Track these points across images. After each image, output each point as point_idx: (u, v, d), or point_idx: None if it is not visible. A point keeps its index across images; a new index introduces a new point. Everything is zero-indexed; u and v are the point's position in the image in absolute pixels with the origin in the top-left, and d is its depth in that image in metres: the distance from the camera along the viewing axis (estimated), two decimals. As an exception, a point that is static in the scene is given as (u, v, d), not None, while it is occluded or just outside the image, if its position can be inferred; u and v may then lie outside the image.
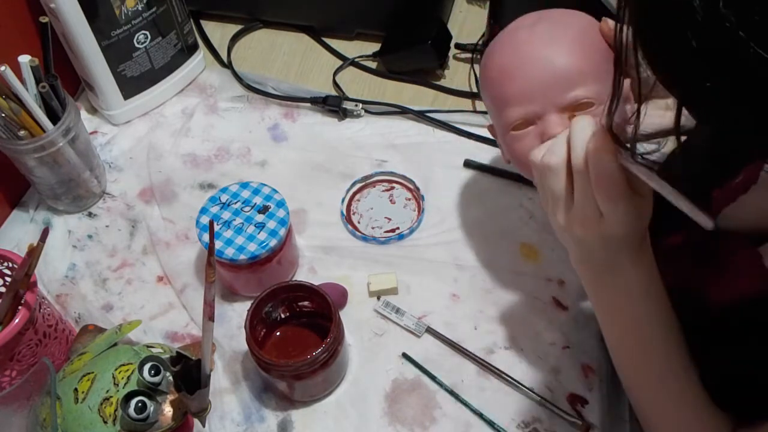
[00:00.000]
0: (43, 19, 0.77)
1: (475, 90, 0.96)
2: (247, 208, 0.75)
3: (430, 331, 0.77)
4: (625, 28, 0.41)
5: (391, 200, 0.88)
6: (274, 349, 0.74)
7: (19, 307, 0.66)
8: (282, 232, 0.74)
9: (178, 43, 0.94)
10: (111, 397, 0.62)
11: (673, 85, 0.39)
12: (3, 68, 0.73)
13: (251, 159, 0.92)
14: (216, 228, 0.74)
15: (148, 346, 0.68)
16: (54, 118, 0.79)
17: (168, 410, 0.63)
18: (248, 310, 0.69)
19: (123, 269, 0.84)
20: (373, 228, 0.85)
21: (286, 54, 1.03)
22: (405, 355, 0.76)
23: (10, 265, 0.70)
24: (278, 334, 0.75)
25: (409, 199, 0.87)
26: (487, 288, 0.80)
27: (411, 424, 0.72)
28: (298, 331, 0.75)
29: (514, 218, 0.84)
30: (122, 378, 0.63)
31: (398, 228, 0.85)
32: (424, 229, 0.85)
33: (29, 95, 0.76)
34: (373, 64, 1.01)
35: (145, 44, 0.90)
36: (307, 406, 0.74)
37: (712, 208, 0.61)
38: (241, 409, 0.73)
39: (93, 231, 0.87)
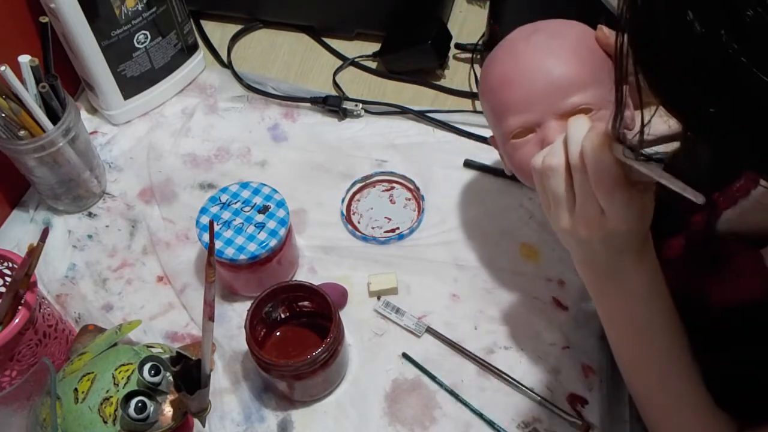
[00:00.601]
0: (43, 19, 0.77)
1: (475, 90, 0.96)
2: (247, 208, 0.75)
3: (430, 331, 0.77)
4: (623, 39, 0.41)
5: (391, 200, 0.88)
6: (274, 349, 0.74)
7: (19, 307, 0.66)
8: (282, 232, 0.74)
9: (178, 43, 0.94)
10: (111, 397, 0.62)
11: (672, 107, 0.39)
12: (3, 68, 0.73)
13: (251, 159, 0.92)
14: (216, 228, 0.74)
15: (148, 346, 0.68)
16: (54, 118, 0.79)
17: (168, 410, 0.63)
18: (248, 310, 0.69)
19: (123, 269, 0.84)
20: (373, 228, 0.85)
21: (286, 54, 1.03)
22: (405, 355, 0.76)
23: (10, 265, 0.70)
24: (278, 334, 0.75)
25: (409, 199, 0.87)
26: (487, 288, 0.80)
27: (411, 424, 0.72)
28: (298, 331, 0.75)
29: (514, 218, 0.84)
30: (122, 378, 0.63)
31: (398, 228, 0.85)
32: (424, 229, 0.85)
33: (29, 95, 0.76)
34: (373, 64, 1.01)
35: (145, 44, 0.90)
36: (307, 406, 0.74)
37: (706, 219, 0.62)
38: (241, 409, 0.73)
39: (93, 231, 0.87)
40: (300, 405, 0.74)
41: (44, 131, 0.78)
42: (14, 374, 0.69)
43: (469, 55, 0.99)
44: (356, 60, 1.01)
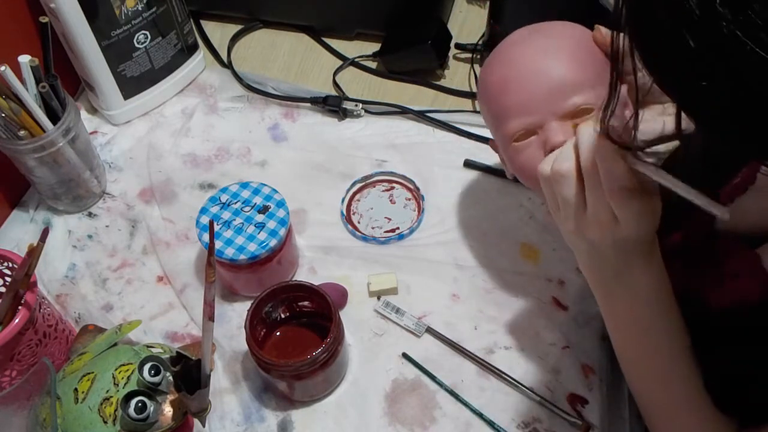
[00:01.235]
0: (43, 19, 0.77)
1: (475, 90, 0.96)
2: (247, 208, 0.75)
3: (430, 331, 0.77)
4: (621, 31, 0.41)
5: (391, 200, 0.88)
6: (274, 349, 0.74)
7: (19, 307, 0.66)
8: (282, 232, 0.74)
9: (178, 43, 0.94)
10: (111, 397, 0.62)
11: (669, 86, 0.39)
12: (3, 68, 0.73)
13: (251, 159, 0.92)
14: (216, 228, 0.74)
15: (148, 346, 0.68)
16: (54, 118, 0.79)
17: (168, 410, 0.63)
18: (248, 310, 0.69)
19: (123, 269, 0.84)
20: (373, 228, 0.85)
21: (286, 54, 1.03)
22: (405, 355, 0.76)
23: (10, 265, 0.70)
24: (278, 334, 0.75)
25: (409, 199, 0.87)
26: (487, 288, 0.80)
27: (411, 424, 0.72)
28: (298, 331, 0.75)
29: (514, 218, 0.84)
30: (122, 378, 0.63)
31: (398, 228, 0.85)
32: (424, 229, 0.85)
33: (29, 95, 0.76)
34: (373, 64, 1.01)
35: (145, 44, 0.90)
36: (307, 406, 0.74)
37: (703, 218, 0.61)
38: (241, 409, 0.73)
39: (93, 231, 0.87)
40: (300, 405, 0.74)
41: (44, 131, 0.78)
42: (14, 374, 0.69)
43: (469, 55, 1.00)
44: (356, 60, 1.01)
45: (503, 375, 0.74)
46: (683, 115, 0.40)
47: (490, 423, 0.71)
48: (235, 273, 0.76)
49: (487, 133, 0.85)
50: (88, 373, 0.64)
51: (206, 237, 0.72)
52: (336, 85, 0.99)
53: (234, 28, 1.05)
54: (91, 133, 0.94)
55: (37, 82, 0.77)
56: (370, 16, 1.00)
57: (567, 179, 0.54)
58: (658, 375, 0.60)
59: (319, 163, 0.91)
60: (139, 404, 0.61)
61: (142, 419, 0.61)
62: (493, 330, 0.77)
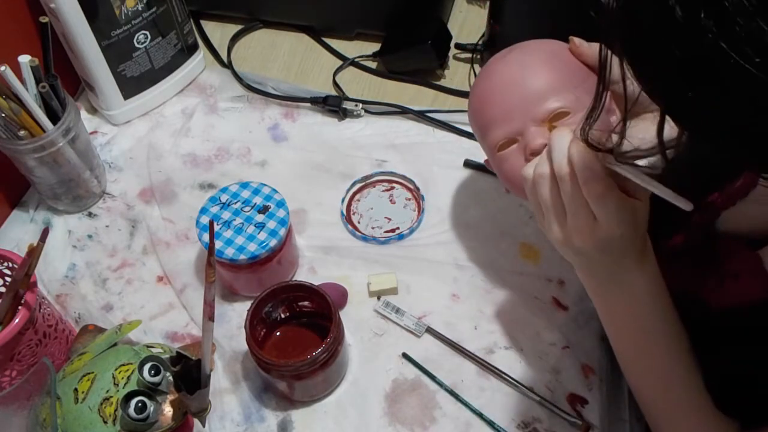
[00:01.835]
0: (43, 19, 0.77)
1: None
2: (247, 208, 0.75)
3: (430, 331, 0.77)
4: (609, 40, 0.41)
5: (391, 200, 0.88)
6: (274, 349, 0.74)
7: (19, 307, 0.66)
8: (282, 232, 0.74)
9: (178, 43, 0.94)
10: (111, 397, 0.62)
11: (656, 95, 0.39)
12: (3, 68, 0.73)
13: (251, 159, 0.92)
14: (216, 228, 0.74)
15: (148, 346, 0.68)
16: (54, 118, 0.79)
17: (168, 410, 0.63)
18: (248, 310, 0.69)
19: (123, 269, 0.84)
20: (373, 228, 0.85)
21: (286, 54, 1.03)
22: (405, 355, 0.76)
23: (10, 265, 0.70)
24: (278, 334, 0.75)
25: (409, 199, 0.87)
26: (487, 288, 0.80)
27: (411, 424, 0.72)
28: (298, 331, 0.75)
29: (513, 218, 0.84)
30: (122, 378, 0.63)
31: (398, 228, 0.85)
32: (424, 229, 0.85)
33: (29, 95, 0.76)
34: (373, 64, 1.01)
35: (145, 44, 0.90)
36: (307, 406, 0.74)
37: (704, 220, 0.62)
38: (241, 409, 0.73)
39: (93, 231, 0.87)
40: (300, 405, 0.74)
41: (44, 131, 0.78)
42: (14, 374, 0.69)
43: (469, 55, 1.00)
44: (356, 60, 1.01)
45: (503, 375, 0.74)
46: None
47: (490, 423, 0.71)
48: (235, 273, 0.76)
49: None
50: (88, 373, 0.64)
51: (206, 237, 0.72)
52: (336, 85, 0.99)
53: (234, 28, 1.05)
54: (91, 133, 0.94)
55: (37, 82, 0.77)
56: (370, 16, 1.00)
57: (546, 180, 0.55)
58: (658, 376, 0.61)
59: (319, 163, 0.91)
60: (139, 404, 0.61)
61: (142, 419, 0.61)
62: (493, 330, 0.77)
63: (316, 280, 0.74)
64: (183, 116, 0.96)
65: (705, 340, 0.59)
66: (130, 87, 0.93)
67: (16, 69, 0.76)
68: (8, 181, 0.87)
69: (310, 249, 0.84)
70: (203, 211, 0.76)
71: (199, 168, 0.91)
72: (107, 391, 0.63)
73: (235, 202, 0.76)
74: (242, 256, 0.72)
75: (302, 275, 0.82)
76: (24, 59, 0.76)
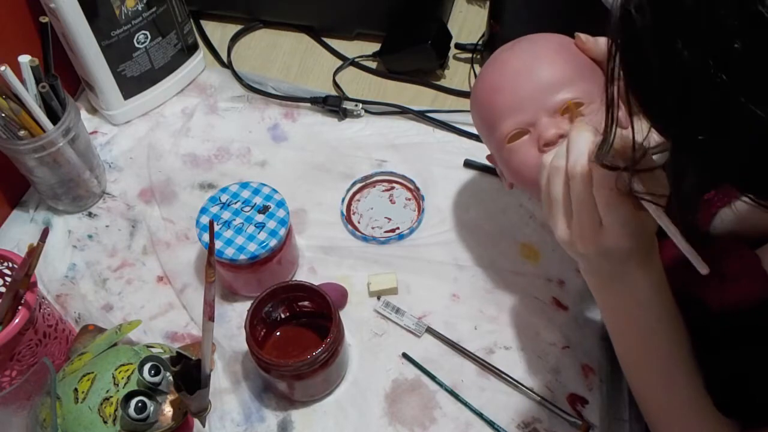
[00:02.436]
0: (43, 19, 0.77)
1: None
2: (247, 208, 0.75)
3: (430, 331, 0.77)
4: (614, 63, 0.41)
5: (391, 200, 0.88)
6: (274, 349, 0.74)
7: (19, 307, 0.66)
8: (282, 232, 0.74)
9: (178, 43, 0.94)
10: (111, 397, 0.62)
11: (665, 133, 0.40)
12: (3, 68, 0.73)
13: (251, 159, 0.92)
14: (216, 228, 0.74)
15: (148, 346, 0.68)
16: (54, 118, 0.79)
17: (168, 410, 0.63)
18: (248, 310, 0.69)
19: (123, 269, 0.84)
20: (373, 228, 0.85)
21: (286, 54, 1.03)
22: (405, 355, 0.76)
23: (10, 265, 0.70)
24: (278, 334, 0.75)
25: (409, 199, 0.87)
26: (487, 288, 0.80)
27: (411, 424, 0.72)
28: (298, 331, 0.75)
29: (514, 218, 0.84)
30: (122, 378, 0.63)
31: (398, 228, 0.85)
32: (424, 229, 0.85)
33: (29, 95, 0.76)
34: (373, 64, 1.01)
35: (145, 44, 0.90)
36: (307, 406, 0.74)
37: (702, 219, 0.61)
38: (241, 409, 0.73)
39: (93, 231, 0.87)
40: (300, 405, 0.74)
41: (44, 131, 0.78)
42: (14, 374, 0.69)
43: (469, 55, 0.99)
44: (356, 60, 1.01)
45: (503, 375, 0.74)
46: None
47: (490, 423, 0.71)
48: (235, 273, 0.76)
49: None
50: (88, 373, 0.64)
51: (206, 237, 0.72)
52: (336, 85, 0.99)
53: (234, 28, 1.05)
54: (91, 133, 0.94)
55: (37, 82, 0.77)
56: (370, 16, 1.00)
57: (560, 177, 0.55)
58: (659, 377, 0.60)
59: (319, 163, 0.91)
60: (139, 404, 0.61)
61: (142, 419, 0.61)
62: (493, 330, 0.77)
63: (316, 280, 0.74)
64: (183, 116, 0.96)
65: (705, 341, 0.59)
66: (130, 87, 0.93)
67: (16, 69, 0.76)
68: (8, 181, 0.87)
69: (310, 249, 0.84)
70: (203, 211, 0.76)
71: (199, 168, 0.91)
72: (107, 391, 0.63)
73: (235, 202, 0.76)
74: (242, 256, 0.72)
75: (302, 275, 0.82)
76: (24, 59, 0.76)
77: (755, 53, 0.33)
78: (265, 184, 0.77)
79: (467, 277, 0.81)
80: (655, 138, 0.47)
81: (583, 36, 0.67)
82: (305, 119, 0.95)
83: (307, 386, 0.71)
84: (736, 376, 0.58)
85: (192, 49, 0.97)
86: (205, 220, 0.75)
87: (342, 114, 0.94)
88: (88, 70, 0.89)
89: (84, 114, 0.96)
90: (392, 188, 0.88)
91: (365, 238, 0.84)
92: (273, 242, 0.73)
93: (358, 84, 0.99)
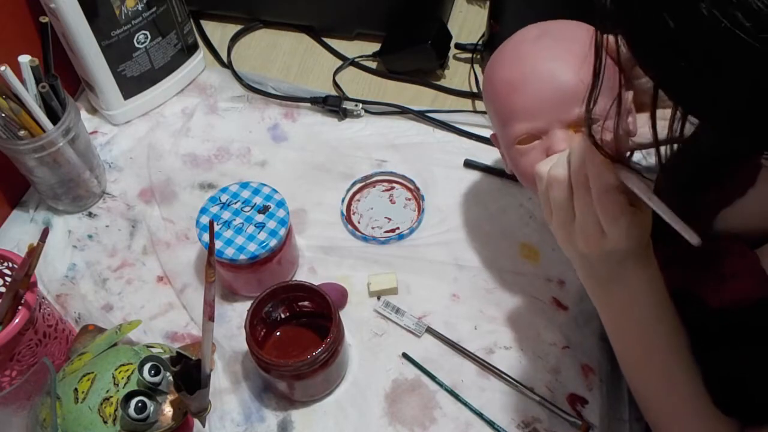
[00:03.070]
0: (43, 19, 0.77)
1: (475, 90, 0.96)
2: (247, 208, 0.75)
3: (430, 331, 0.77)
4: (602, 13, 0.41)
5: (391, 200, 0.88)
6: (274, 349, 0.74)
7: (19, 307, 0.66)
8: (282, 232, 0.74)
9: (178, 43, 0.94)
10: (111, 397, 0.62)
11: (651, 68, 0.39)
12: (3, 68, 0.73)
13: (251, 159, 0.92)
14: (216, 228, 0.74)
15: (148, 346, 0.68)
16: (54, 118, 0.79)
17: (168, 410, 0.63)
18: (248, 310, 0.69)
19: (123, 269, 0.84)
20: (373, 228, 0.85)
21: (286, 54, 1.03)
22: (405, 355, 0.76)
23: (10, 265, 0.70)
24: (278, 334, 0.75)
25: (409, 199, 0.87)
26: (487, 288, 0.80)
27: (411, 424, 0.72)
28: (298, 331, 0.75)
29: (514, 218, 0.84)
30: (122, 378, 0.63)
31: (398, 228, 0.85)
32: (424, 229, 0.85)
33: (29, 95, 0.76)
34: (373, 64, 1.01)
35: (145, 44, 0.90)
36: (307, 406, 0.74)
37: (702, 219, 0.61)
38: (241, 409, 0.73)
39: (93, 231, 0.87)
40: (300, 405, 0.74)
41: (44, 131, 0.78)
42: (14, 374, 0.69)
43: (469, 55, 0.99)
44: (356, 60, 1.01)
45: (503, 375, 0.74)
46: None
47: (490, 423, 0.71)
48: (235, 273, 0.76)
49: (487, 133, 0.85)
50: (88, 373, 0.64)
51: (206, 237, 0.72)
52: (336, 85, 0.99)
53: (234, 28, 1.05)
54: (91, 133, 0.94)
55: (37, 82, 0.77)
56: (370, 16, 1.00)
57: (560, 186, 0.54)
58: (658, 376, 0.60)
59: (319, 163, 0.91)
60: (139, 404, 0.61)
61: (142, 419, 0.61)
62: (493, 330, 0.77)
63: (316, 280, 0.74)
64: (183, 116, 0.96)
65: (704, 340, 0.59)
66: (130, 87, 0.93)
67: (16, 69, 0.76)
68: (8, 181, 0.87)
69: (310, 249, 0.84)
70: (203, 211, 0.76)
71: (199, 168, 0.91)
72: (107, 391, 0.63)
73: (235, 202, 0.76)
74: (242, 256, 0.72)
75: (302, 275, 0.82)
76: (24, 59, 0.76)
77: None
78: (265, 184, 0.77)
79: (467, 277, 0.81)
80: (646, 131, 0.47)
81: (612, 38, 0.64)
82: (305, 119, 0.95)
83: (307, 386, 0.71)
84: (736, 375, 0.58)
85: (192, 49, 0.97)
86: (205, 220, 0.75)
87: (342, 114, 0.94)
88: (88, 70, 0.89)
89: (84, 114, 0.96)
90: (392, 188, 0.88)
91: (365, 238, 0.84)
92: (273, 242, 0.73)
93: (358, 84, 0.99)
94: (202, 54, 0.99)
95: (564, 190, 0.54)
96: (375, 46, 1.00)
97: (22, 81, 0.76)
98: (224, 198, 0.76)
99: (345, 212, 0.86)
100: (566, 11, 0.82)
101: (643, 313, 0.58)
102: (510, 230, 0.83)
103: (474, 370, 0.75)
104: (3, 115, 0.76)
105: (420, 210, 0.86)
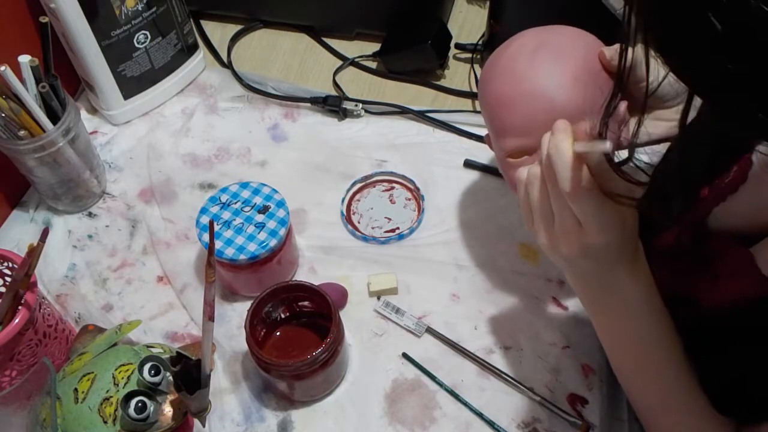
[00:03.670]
0: (43, 19, 0.77)
1: (475, 90, 0.96)
2: (247, 208, 0.75)
3: (430, 331, 0.77)
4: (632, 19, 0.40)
5: (391, 200, 0.88)
6: (274, 349, 0.74)
7: (19, 307, 0.66)
8: (282, 232, 0.74)
9: (178, 43, 0.94)
10: (111, 397, 0.62)
11: (688, 71, 0.38)
12: (3, 68, 0.73)
13: (251, 159, 0.92)
14: (216, 228, 0.74)
15: (148, 346, 0.68)
16: (54, 118, 0.79)
17: (168, 410, 0.63)
18: (248, 310, 0.69)
19: (123, 269, 0.84)
20: (373, 228, 0.85)
21: (286, 54, 1.03)
22: (405, 355, 0.76)
23: (10, 265, 0.70)
24: (278, 334, 0.75)
25: (409, 199, 0.87)
26: (487, 288, 0.80)
27: (411, 424, 0.72)
28: (298, 331, 0.75)
29: (513, 218, 0.84)
30: (122, 378, 0.63)
31: (398, 228, 0.85)
32: (424, 229, 0.85)
33: (29, 95, 0.76)
34: (373, 64, 1.01)
35: (145, 44, 0.90)
36: (307, 406, 0.74)
37: (695, 217, 0.61)
38: (241, 409, 0.73)
39: (93, 231, 0.87)
40: (300, 405, 0.74)
41: (44, 131, 0.78)
42: (14, 374, 0.69)
43: (469, 55, 1.00)
44: (356, 60, 1.01)
45: (503, 375, 0.74)
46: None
47: (490, 423, 0.71)
48: (235, 273, 0.76)
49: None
50: (88, 373, 0.64)
51: (206, 237, 0.72)
52: (336, 85, 0.99)
53: (234, 28, 1.05)
54: (91, 133, 0.94)
55: (37, 82, 0.77)
56: (370, 16, 1.00)
57: (536, 184, 0.55)
58: (654, 383, 0.60)
59: (319, 163, 0.91)
60: (139, 404, 0.61)
61: (142, 419, 0.61)
62: (493, 330, 0.77)
63: (316, 280, 0.74)
64: (183, 116, 0.96)
65: (699, 340, 0.59)
66: (130, 87, 0.93)
67: (16, 69, 0.76)
68: (8, 181, 0.87)
69: (310, 249, 0.84)
70: (203, 211, 0.76)
71: (199, 168, 0.91)
72: (107, 391, 0.63)
73: (235, 202, 0.76)
74: (242, 256, 0.72)
75: (302, 275, 0.82)
76: (24, 59, 0.76)
77: None
78: (265, 184, 0.77)
79: (467, 277, 0.81)
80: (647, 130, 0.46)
81: (607, 54, 0.63)
82: (305, 119, 0.95)
83: (307, 386, 0.71)
84: (732, 375, 0.58)
85: (192, 49, 0.97)
86: (205, 220, 0.75)
87: (342, 114, 0.94)
88: (88, 70, 0.89)
89: (84, 114, 0.96)
90: (392, 188, 0.89)
91: (365, 238, 0.84)
92: (273, 242, 0.73)
93: (358, 84, 0.99)
94: (202, 54, 0.99)
95: (539, 189, 0.55)
96: (375, 46, 1.00)
97: (22, 81, 0.76)
98: (224, 198, 0.76)
99: (345, 212, 0.86)
100: (566, 11, 0.82)
101: (637, 322, 0.58)
102: (510, 230, 0.83)
103: (474, 370, 0.75)
104: (3, 115, 0.76)
105: (420, 210, 0.86)
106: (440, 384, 0.74)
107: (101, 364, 0.65)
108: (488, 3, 0.95)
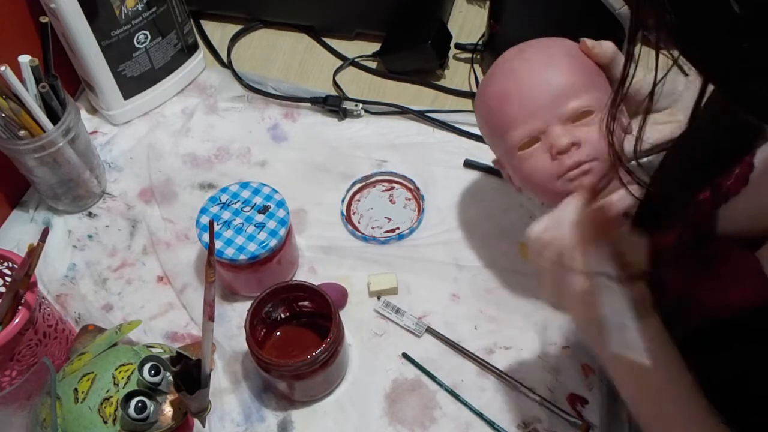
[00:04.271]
0: (43, 19, 0.77)
1: (475, 90, 0.96)
2: (247, 208, 0.75)
3: (430, 331, 0.77)
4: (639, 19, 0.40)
5: (391, 200, 0.88)
6: (274, 349, 0.74)
7: (19, 307, 0.66)
8: (282, 232, 0.74)
9: (178, 43, 0.94)
10: (111, 397, 0.62)
11: (703, 55, 0.38)
12: (3, 68, 0.73)
13: (251, 159, 0.92)
14: (216, 228, 0.74)
15: (148, 346, 0.68)
16: (54, 118, 0.79)
17: (168, 410, 0.63)
18: (248, 310, 0.69)
19: (123, 269, 0.84)
20: (373, 228, 0.85)
21: (286, 54, 1.03)
22: (405, 355, 0.76)
23: (10, 265, 0.70)
24: (278, 334, 0.75)
25: (409, 199, 0.87)
26: (487, 288, 0.80)
27: (411, 424, 0.72)
28: (298, 331, 0.75)
29: (514, 218, 0.84)
30: (122, 378, 0.63)
31: (398, 228, 0.85)
32: (424, 229, 0.85)
33: (29, 95, 0.76)
34: (373, 64, 1.01)
35: (145, 44, 0.90)
36: (307, 406, 0.74)
37: (699, 218, 0.61)
38: (241, 409, 0.73)
39: (93, 231, 0.87)
40: (300, 405, 0.74)
41: (44, 131, 0.78)
42: (14, 374, 0.69)
43: (469, 55, 0.99)
44: (356, 60, 1.01)
45: (503, 375, 0.74)
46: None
47: (490, 423, 0.71)
48: (235, 273, 0.76)
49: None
50: (88, 373, 0.64)
51: (206, 237, 0.72)
52: (336, 85, 0.99)
53: (234, 28, 1.05)
54: (91, 133, 0.94)
55: (37, 82, 0.77)
56: (370, 16, 1.00)
57: (549, 249, 0.56)
58: (671, 423, 0.60)
59: (319, 163, 0.91)
60: (139, 404, 0.61)
61: (142, 419, 0.61)
62: (493, 330, 0.77)
63: (316, 280, 0.74)
64: (183, 116, 0.96)
65: (704, 345, 0.59)
66: (130, 87, 0.93)
67: (16, 69, 0.76)
68: (8, 181, 0.87)
69: (310, 249, 0.84)
70: (203, 211, 0.76)
71: (199, 168, 0.91)
72: (107, 391, 0.63)
73: (235, 202, 0.76)
74: (242, 256, 0.72)
75: (302, 275, 0.82)
76: (24, 59, 0.76)
77: None
78: (265, 184, 0.77)
79: (467, 277, 0.81)
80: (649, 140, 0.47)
81: (588, 42, 0.67)
82: (305, 119, 0.95)
83: (307, 386, 0.71)
84: (734, 373, 0.58)
85: (192, 49, 0.97)
86: (205, 220, 0.75)
87: (342, 114, 0.94)
88: (88, 70, 0.89)
89: (84, 114, 0.96)
90: (392, 188, 0.88)
91: (365, 238, 0.84)
92: (273, 242, 0.73)
93: (358, 84, 0.99)
94: (202, 54, 0.99)
95: (549, 250, 0.55)
96: (375, 46, 1.00)
97: (22, 81, 0.76)
98: (224, 198, 0.76)
99: (345, 212, 0.86)
100: (565, 11, 0.82)
101: (650, 374, 0.57)
102: (510, 230, 0.83)
103: (474, 370, 0.75)
104: (3, 115, 0.76)
105: (420, 210, 0.86)
106: (440, 384, 0.74)
107: (101, 364, 0.65)
108: (488, 3, 0.95)
